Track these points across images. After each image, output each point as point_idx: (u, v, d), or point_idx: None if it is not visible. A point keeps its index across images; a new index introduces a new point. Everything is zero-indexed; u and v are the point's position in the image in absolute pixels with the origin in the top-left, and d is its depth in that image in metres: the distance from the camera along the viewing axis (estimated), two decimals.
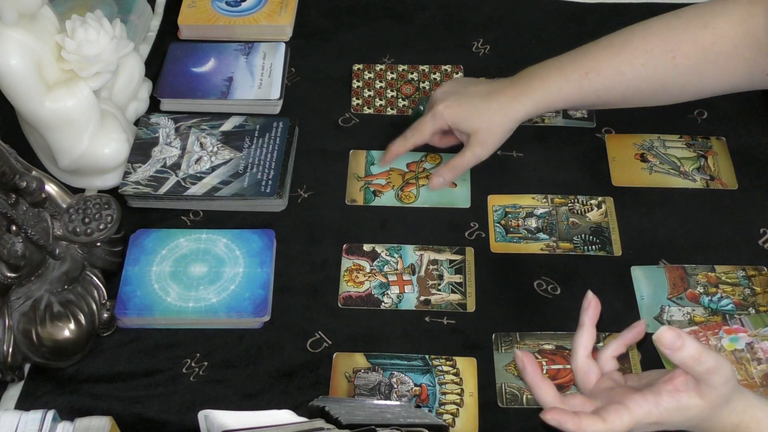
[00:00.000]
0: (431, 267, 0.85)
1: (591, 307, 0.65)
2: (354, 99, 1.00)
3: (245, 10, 1.06)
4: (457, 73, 1.01)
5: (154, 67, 1.02)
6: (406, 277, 0.84)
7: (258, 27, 1.05)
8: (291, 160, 0.92)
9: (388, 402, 0.72)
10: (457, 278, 0.84)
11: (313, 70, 1.03)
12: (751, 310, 0.81)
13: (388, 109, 0.99)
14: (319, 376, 0.78)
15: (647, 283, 0.83)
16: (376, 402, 0.70)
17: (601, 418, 0.59)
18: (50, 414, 0.66)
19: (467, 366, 0.78)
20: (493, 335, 0.80)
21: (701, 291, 0.82)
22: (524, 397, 0.76)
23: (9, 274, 0.75)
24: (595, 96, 0.86)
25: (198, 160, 0.91)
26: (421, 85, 1.01)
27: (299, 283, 0.84)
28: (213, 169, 0.90)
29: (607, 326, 0.80)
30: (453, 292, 0.83)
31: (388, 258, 0.86)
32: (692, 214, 0.87)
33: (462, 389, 0.77)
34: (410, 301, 0.83)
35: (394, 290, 0.83)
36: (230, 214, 0.89)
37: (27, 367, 0.79)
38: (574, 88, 0.85)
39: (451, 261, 0.85)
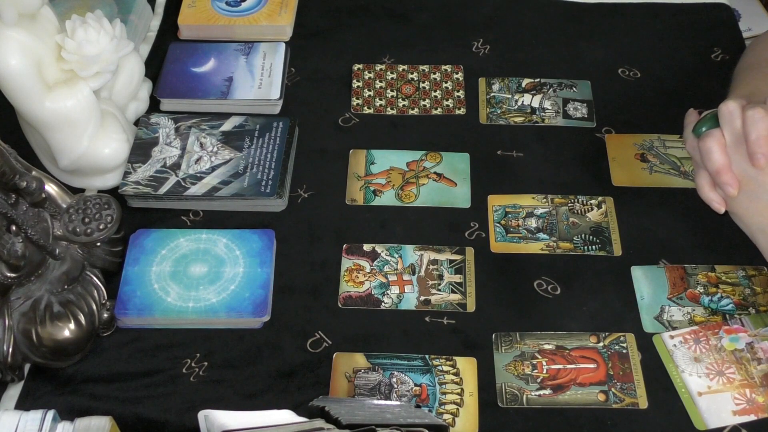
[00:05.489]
0: (431, 267, 0.85)
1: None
2: (354, 99, 1.00)
3: (245, 10, 1.06)
4: (457, 73, 1.01)
5: (154, 67, 1.02)
6: (406, 277, 0.84)
7: (258, 27, 1.05)
8: (291, 160, 0.92)
9: (388, 402, 0.72)
10: (457, 278, 0.84)
11: (313, 70, 1.03)
12: (751, 310, 0.81)
13: (388, 109, 0.99)
14: (319, 376, 0.78)
15: (647, 283, 0.83)
16: (376, 402, 0.70)
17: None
18: (50, 414, 0.66)
19: (467, 366, 0.78)
20: (493, 335, 0.80)
21: (701, 291, 0.82)
22: (524, 397, 0.76)
23: (9, 274, 0.75)
24: None
25: (198, 160, 0.91)
26: (421, 85, 1.01)
27: (299, 283, 0.84)
28: (213, 169, 0.90)
29: (607, 326, 0.80)
30: (453, 292, 0.83)
31: (388, 258, 0.86)
32: (692, 214, 0.87)
33: (462, 389, 0.77)
34: (410, 301, 0.83)
35: (394, 290, 0.83)
36: (230, 214, 0.89)
37: (27, 367, 0.79)
38: None
39: (451, 261, 0.85)
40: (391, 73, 1.02)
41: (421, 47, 1.05)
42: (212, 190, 0.88)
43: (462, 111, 0.98)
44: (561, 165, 0.93)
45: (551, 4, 1.09)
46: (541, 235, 0.87)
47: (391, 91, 1.00)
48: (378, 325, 0.81)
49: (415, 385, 0.77)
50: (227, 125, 0.94)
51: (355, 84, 1.01)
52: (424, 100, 0.99)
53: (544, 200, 0.89)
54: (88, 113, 0.85)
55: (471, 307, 0.82)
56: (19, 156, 0.76)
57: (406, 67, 1.03)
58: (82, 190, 0.90)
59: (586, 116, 0.97)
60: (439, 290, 0.83)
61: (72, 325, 0.77)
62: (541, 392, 0.76)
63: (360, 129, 0.97)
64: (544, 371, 0.77)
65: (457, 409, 0.76)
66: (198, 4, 1.07)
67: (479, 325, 0.81)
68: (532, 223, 0.88)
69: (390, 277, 0.84)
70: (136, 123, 0.95)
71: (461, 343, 0.80)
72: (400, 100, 1.00)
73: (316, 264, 0.86)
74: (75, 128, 0.85)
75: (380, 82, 1.01)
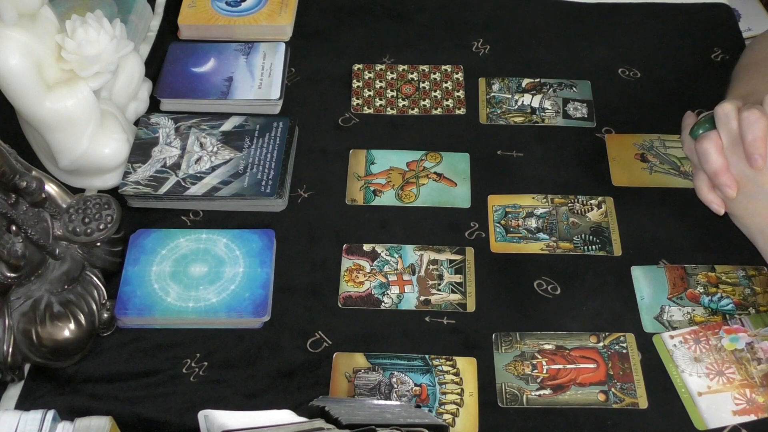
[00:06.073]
0: (431, 267, 0.85)
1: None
2: (354, 99, 1.00)
3: (245, 10, 1.06)
4: (457, 73, 1.01)
5: (154, 67, 1.02)
6: (406, 277, 0.84)
7: (258, 27, 1.05)
8: (291, 160, 0.92)
9: (388, 402, 0.72)
10: (457, 278, 0.84)
11: (313, 70, 1.03)
12: (751, 310, 0.81)
13: (388, 109, 0.99)
14: (319, 376, 0.78)
15: (647, 283, 0.83)
16: (376, 402, 0.70)
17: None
18: (50, 414, 0.66)
19: (467, 366, 0.78)
20: (493, 335, 0.80)
21: (701, 291, 0.82)
22: (524, 397, 0.76)
23: (9, 274, 0.75)
24: None
25: (198, 160, 0.91)
26: (421, 85, 1.01)
27: (299, 283, 0.84)
28: (213, 169, 0.90)
29: (607, 326, 0.80)
30: (453, 292, 0.83)
31: (388, 258, 0.86)
32: (692, 214, 0.87)
33: (462, 389, 0.77)
34: (410, 301, 0.83)
35: (394, 290, 0.83)
36: (230, 214, 0.89)
37: (27, 367, 0.79)
38: None
39: (451, 261, 0.85)
40: (391, 73, 1.02)
41: (421, 47, 1.05)
42: (212, 190, 0.88)
43: (462, 111, 0.98)
44: (561, 165, 0.93)
45: (551, 4, 1.09)
46: (541, 235, 0.87)
47: (391, 91, 1.00)
48: (378, 325, 0.81)
49: (415, 385, 0.77)
50: (227, 125, 0.94)
51: (355, 84, 1.01)
52: (424, 100, 0.99)
53: (544, 200, 0.89)
54: (88, 113, 0.85)
55: (471, 307, 0.82)
56: (19, 156, 0.76)
57: (406, 67, 1.03)
58: (82, 190, 0.90)
59: (586, 116, 0.97)
60: (439, 290, 0.83)
61: (72, 325, 0.77)
62: (541, 392, 0.76)
63: (360, 129, 0.97)
64: (544, 371, 0.77)
65: (457, 409, 0.76)
66: (198, 4, 1.07)
67: (479, 325, 0.81)
68: (532, 223, 0.88)
69: (390, 277, 0.84)
70: (136, 123, 0.95)
71: (461, 343, 0.80)
72: (400, 100, 1.00)
73: (316, 264, 0.86)
74: (75, 128, 0.85)
75: (380, 82, 1.01)
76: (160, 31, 1.07)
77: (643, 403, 0.75)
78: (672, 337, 0.79)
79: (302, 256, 0.86)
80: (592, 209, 0.89)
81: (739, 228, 0.80)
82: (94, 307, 0.80)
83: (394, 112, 0.99)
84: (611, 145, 0.94)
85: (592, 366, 0.78)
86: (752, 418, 0.74)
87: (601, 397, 0.76)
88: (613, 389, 0.76)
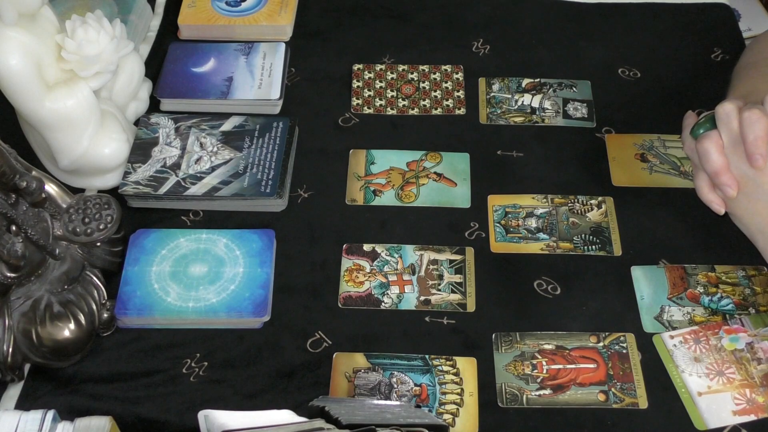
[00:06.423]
0: (431, 267, 0.85)
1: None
2: (354, 99, 1.00)
3: (245, 10, 1.06)
4: (457, 73, 1.01)
5: (154, 67, 1.02)
6: (406, 277, 0.84)
7: (258, 27, 1.05)
8: (291, 160, 0.92)
9: (388, 402, 0.72)
10: (457, 278, 0.84)
11: (313, 70, 1.03)
12: (751, 310, 0.81)
13: (388, 109, 0.99)
14: (319, 376, 0.78)
15: (647, 283, 0.83)
16: (376, 402, 0.70)
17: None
18: (50, 414, 0.66)
19: (467, 366, 0.78)
20: (493, 335, 0.80)
21: (701, 291, 0.82)
22: (524, 397, 0.76)
23: (9, 274, 0.75)
24: None
25: (198, 160, 0.91)
26: (421, 85, 1.01)
27: (299, 283, 0.84)
28: (213, 169, 0.90)
29: (607, 326, 0.80)
30: (453, 292, 0.83)
31: (388, 258, 0.86)
32: (692, 214, 0.87)
33: (462, 389, 0.77)
34: (410, 301, 0.83)
35: (394, 290, 0.83)
36: (230, 214, 0.89)
37: (27, 367, 0.79)
38: None
39: (451, 261, 0.85)
40: (391, 73, 1.02)
41: (421, 47, 1.05)
42: (212, 190, 0.88)
43: (462, 111, 0.98)
44: (561, 165, 0.93)
45: (551, 4, 1.09)
46: (541, 235, 0.87)
47: (391, 91, 1.00)
48: (378, 325, 0.81)
49: (415, 385, 0.77)
50: (227, 125, 0.94)
51: (355, 84, 1.01)
52: (424, 100, 0.99)
53: (544, 200, 0.89)
54: (88, 113, 0.85)
55: (471, 307, 0.82)
56: (19, 156, 0.76)
57: (406, 67, 1.03)
58: (82, 190, 0.90)
59: (586, 116, 0.97)
60: (439, 290, 0.83)
61: (72, 325, 0.77)
62: (541, 392, 0.76)
63: (360, 129, 0.97)
64: (544, 371, 0.77)
65: (457, 409, 0.76)
66: (198, 4, 1.07)
67: (479, 325, 0.81)
68: (532, 223, 0.88)
69: (390, 277, 0.84)
70: (136, 123, 0.95)
71: (461, 343, 0.80)
72: (400, 100, 1.00)
73: (316, 264, 0.86)
74: (75, 128, 0.85)
75: (380, 82, 1.01)
76: (160, 31, 1.07)
77: (643, 403, 0.75)
78: (672, 337, 0.79)
79: (302, 256, 0.86)
80: (592, 209, 0.89)
81: (739, 228, 0.80)
82: (94, 307, 0.80)
83: (394, 112, 0.99)
84: (611, 145, 0.94)
85: (592, 366, 0.78)
86: (752, 418, 0.74)
87: (601, 397, 0.76)
88: (613, 389, 0.76)
